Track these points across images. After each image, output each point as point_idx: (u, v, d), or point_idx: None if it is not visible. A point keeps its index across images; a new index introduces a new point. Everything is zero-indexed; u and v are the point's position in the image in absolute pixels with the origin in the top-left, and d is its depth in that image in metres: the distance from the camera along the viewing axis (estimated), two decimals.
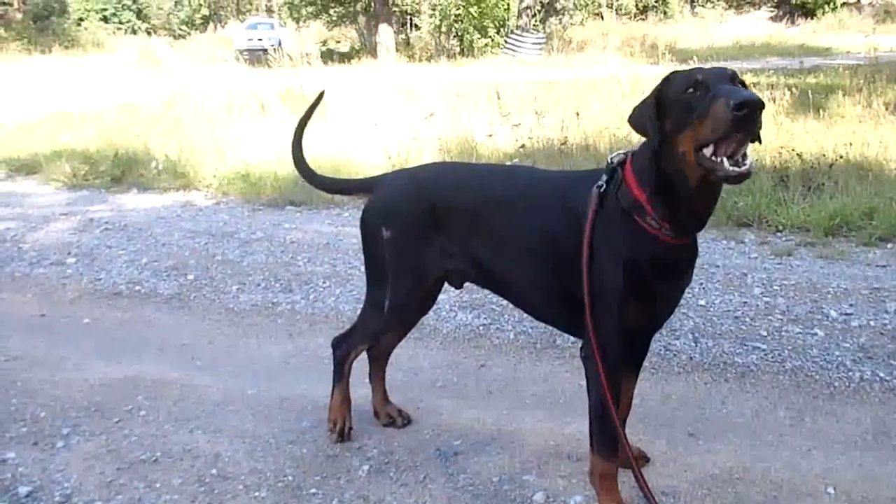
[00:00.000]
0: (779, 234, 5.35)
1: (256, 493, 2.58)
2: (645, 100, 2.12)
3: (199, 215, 6.43)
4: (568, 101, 9.60)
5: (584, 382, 2.31)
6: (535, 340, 3.70)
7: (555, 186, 2.36)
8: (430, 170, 2.81)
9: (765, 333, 3.64)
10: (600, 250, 2.17)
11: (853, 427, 2.84)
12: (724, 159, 1.92)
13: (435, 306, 3.87)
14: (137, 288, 4.55)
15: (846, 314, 3.81)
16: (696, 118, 1.93)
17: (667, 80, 2.07)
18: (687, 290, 3.75)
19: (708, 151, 1.95)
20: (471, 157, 7.43)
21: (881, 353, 3.39)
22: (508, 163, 6.52)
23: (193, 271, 4.84)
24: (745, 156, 1.94)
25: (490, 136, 8.16)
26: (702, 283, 4.30)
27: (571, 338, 3.51)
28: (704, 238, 5.21)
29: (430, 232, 2.52)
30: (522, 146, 7.74)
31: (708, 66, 2.19)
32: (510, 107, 8.97)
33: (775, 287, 4.21)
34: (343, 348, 2.82)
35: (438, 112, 8.41)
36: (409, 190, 2.59)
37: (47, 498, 2.58)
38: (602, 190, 2.18)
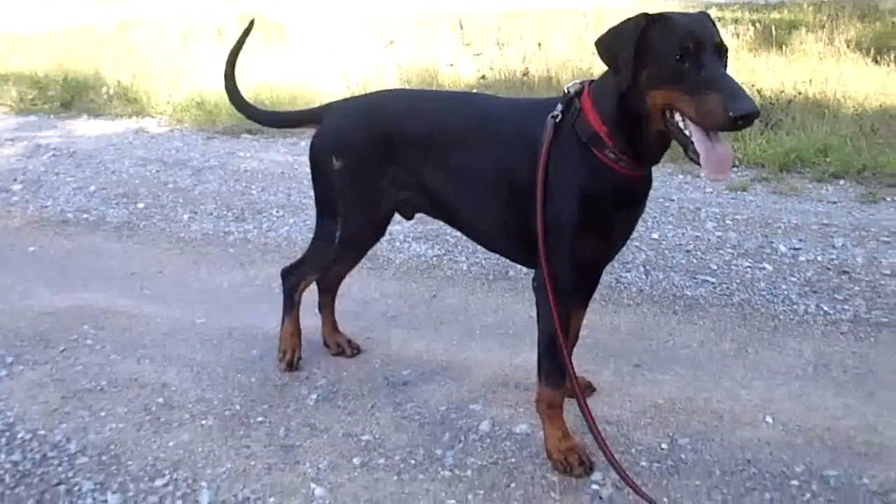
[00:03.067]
0: (734, 169, 5.36)
1: (203, 422, 2.57)
2: (621, 30, 2.00)
3: (152, 143, 6.28)
4: (532, 33, 9.45)
5: (534, 314, 2.31)
6: (487, 272, 3.71)
7: (511, 115, 2.30)
8: (382, 97, 2.73)
9: (715, 267, 3.68)
10: (555, 182, 2.13)
11: (795, 359, 2.90)
12: (693, 142, 1.90)
13: (389, 237, 3.88)
14: (85, 216, 4.45)
15: (795, 249, 3.87)
16: (681, 91, 1.88)
17: (652, 26, 1.95)
18: (640, 223, 3.80)
19: (678, 117, 1.93)
20: (431, 87, 7.32)
21: (826, 288, 3.45)
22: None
23: (144, 199, 4.74)
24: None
25: (451, 65, 8.03)
26: (656, 217, 4.32)
27: (524, 269, 3.51)
28: (661, 172, 5.22)
29: (383, 161, 2.46)
30: (483, 77, 7.65)
31: (686, 11, 2.09)
32: (473, 37, 8.80)
33: (728, 221, 4.25)
34: (292, 279, 2.79)
35: (400, 40, 8.22)
36: (360, 118, 2.53)
37: None
38: (557, 120, 2.14)
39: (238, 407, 2.65)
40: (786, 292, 3.42)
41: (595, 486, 2.24)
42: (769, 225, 4.19)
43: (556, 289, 2.20)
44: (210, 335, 3.12)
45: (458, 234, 3.21)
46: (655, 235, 4.07)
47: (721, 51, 1.95)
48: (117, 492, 2.25)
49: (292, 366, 2.84)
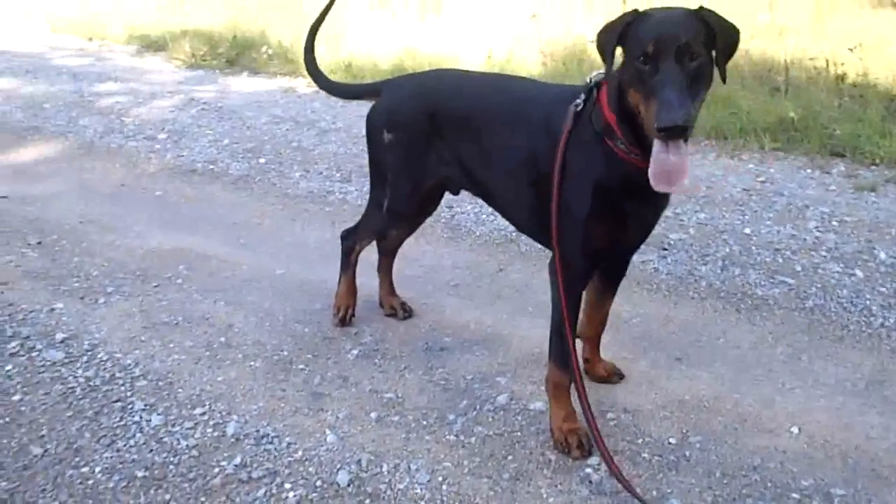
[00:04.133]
0: (873, 167, 5.02)
1: (252, 363, 2.83)
2: (612, 23, 2.02)
3: (294, 103, 6.68)
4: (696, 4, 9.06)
5: None
6: None
7: (540, 101, 2.35)
8: (432, 76, 2.84)
9: (799, 269, 3.52)
10: (571, 170, 2.18)
11: (849, 372, 2.77)
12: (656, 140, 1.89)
13: (478, 209, 4.00)
14: (211, 167, 4.86)
15: None
16: (641, 93, 1.89)
17: (633, 22, 1.96)
18: (737, 216, 3.67)
19: (643, 113, 1.91)
20: (579, 64, 7.22)
21: None
22: None
23: (267, 155, 5.11)
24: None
25: (592, 42, 7.88)
26: (756, 212, 4.16)
27: None
28: (786, 165, 4.99)
29: (429, 137, 2.58)
30: None
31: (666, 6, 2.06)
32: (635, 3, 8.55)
33: (833, 222, 4.02)
34: (349, 242, 2.99)
35: (546, 11, 8.17)
36: (410, 95, 2.66)
37: (78, 345, 2.93)
38: (578, 109, 2.18)
39: (286, 353, 2.89)
40: (867, 302, 3.23)
41: (588, 470, 2.28)
42: (879, 229, 3.93)
43: (566, 274, 2.26)
44: (284, 285, 3.38)
45: None
46: (748, 230, 3.93)
47: (687, 53, 1.87)
48: (161, 413, 2.54)
49: (344, 321, 3.04)
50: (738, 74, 6.72)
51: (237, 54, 8.71)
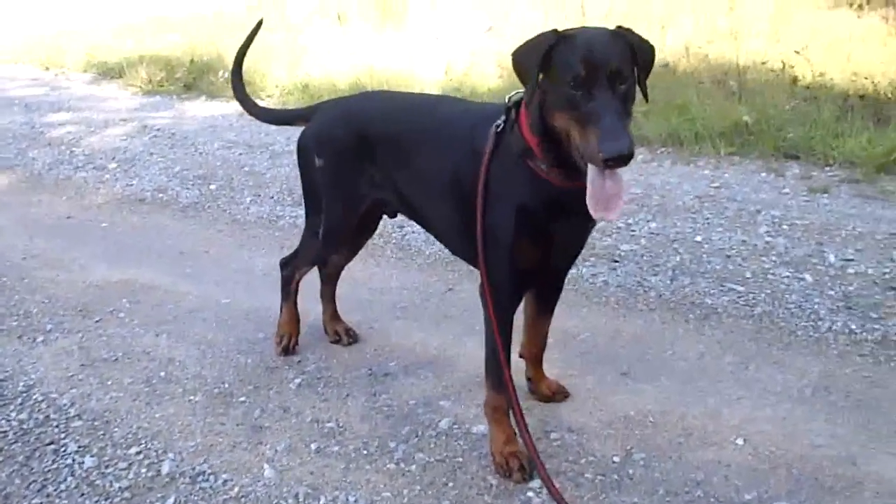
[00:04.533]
0: (827, 168, 5.04)
1: (192, 398, 2.76)
2: (533, 44, 1.96)
3: (248, 126, 6.61)
4: (661, 11, 9.04)
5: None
6: None
7: (464, 122, 2.31)
8: (360, 98, 2.82)
9: (749, 275, 3.51)
10: (493, 192, 2.14)
11: (795, 379, 2.75)
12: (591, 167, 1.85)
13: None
14: (161, 195, 4.79)
15: (846, 260, 3.62)
16: (572, 118, 1.85)
17: (560, 42, 1.90)
18: (689, 223, 3.64)
19: (577, 140, 1.86)
20: None
21: (863, 304, 3.22)
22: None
23: (218, 181, 5.05)
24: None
25: None
26: (708, 219, 4.16)
27: None
28: (743, 169, 5.00)
29: (360, 161, 2.54)
30: None
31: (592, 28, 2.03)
32: (594, 17, 8.58)
33: (784, 227, 4.02)
34: (288, 270, 2.94)
35: (503, 25, 8.18)
36: (339, 119, 2.62)
37: (12, 386, 2.86)
38: (499, 130, 2.15)
39: (227, 385, 2.82)
40: (816, 307, 3.22)
41: (530, 493, 2.24)
42: (829, 232, 3.93)
43: (495, 298, 2.22)
44: (228, 315, 3.32)
45: None
46: (699, 238, 3.92)
47: (618, 77, 1.85)
48: (95, 455, 2.47)
49: (287, 350, 2.99)
50: (694, 80, 6.79)
51: (194, 79, 8.63)
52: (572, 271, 3.56)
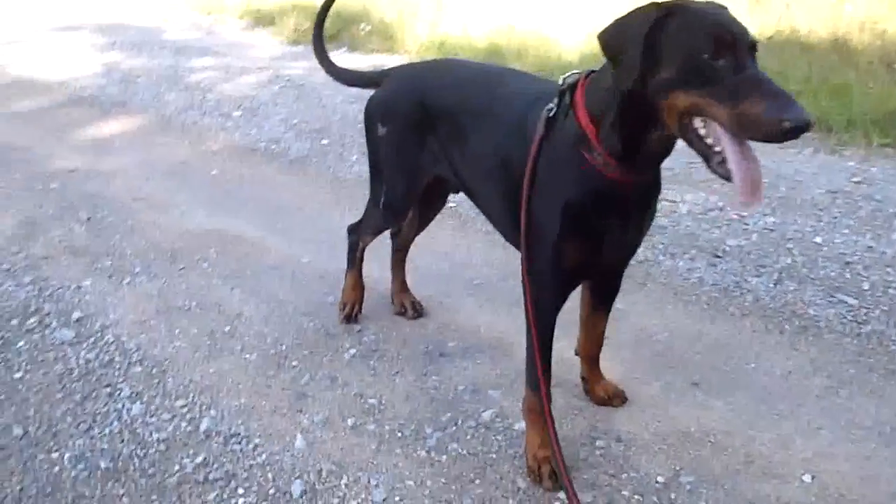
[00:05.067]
0: None
1: (248, 356, 2.79)
2: (628, 22, 1.74)
3: None
4: None
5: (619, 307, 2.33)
6: None
7: (517, 101, 2.13)
8: (428, 66, 2.68)
9: (867, 287, 3.13)
10: (540, 182, 1.97)
11: (892, 414, 2.42)
12: (719, 155, 1.67)
13: None
14: (273, 146, 4.86)
15: None
16: (712, 95, 1.61)
17: (669, 18, 1.68)
18: (813, 221, 3.28)
19: (698, 124, 1.68)
20: None
21: None
22: None
23: (331, 136, 5.06)
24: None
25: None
26: (836, 217, 3.75)
27: (637, 258, 3.31)
28: (894, 164, 4.48)
29: (422, 133, 2.42)
30: (770, 37, 6.81)
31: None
32: None
33: None
34: (353, 237, 2.89)
35: None
36: (405, 87, 2.50)
37: (90, 325, 2.99)
38: (551, 115, 1.96)
39: (283, 347, 2.82)
40: None
41: (557, 503, 2.10)
42: None
43: (536, 295, 2.06)
44: (304, 275, 3.32)
45: None
46: (818, 239, 3.54)
47: (755, 49, 1.67)
48: (144, 403, 2.54)
49: (350, 318, 2.95)
50: (864, 59, 6.13)
51: (339, 30, 8.71)
52: (667, 262, 3.35)
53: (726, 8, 1.75)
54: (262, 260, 3.46)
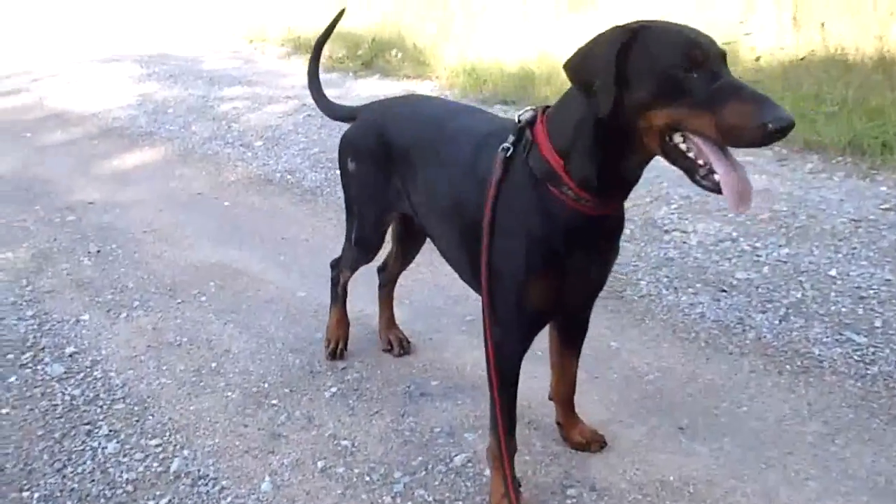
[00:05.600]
0: None
1: (229, 394, 2.77)
2: (595, 48, 1.71)
3: None
4: None
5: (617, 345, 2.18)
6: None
7: (470, 140, 2.07)
8: (392, 102, 2.66)
9: (878, 324, 2.98)
10: (502, 224, 1.91)
11: (889, 465, 2.28)
12: (704, 167, 1.64)
13: None
14: (288, 177, 4.89)
15: None
16: (692, 106, 1.59)
17: (636, 35, 1.65)
18: (824, 251, 3.14)
19: (678, 139, 1.65)
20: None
21: None
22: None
23: None
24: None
25: (748, 34, 7.13)
26: (854, 249, 3.58)
27: (637, 293, 3.23)
28: None
29: (386, 169, 2.40)
30: (803, 58, 6.62)
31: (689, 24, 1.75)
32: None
33: None
34: (335, 272, 2.86)
35: (696, 11, 7.55)
36: (369, 123, 2.50)
37: (81, 360, 3.02)
38: (508, 154, 1.90)
39: (266, 385, 2.80)
40: None
41: None
42: None
43: (499, 341, 2.00)
44: (297, 310, 3.31)
45: None
46: (833, 272, 3.38)
47: (725, 59, 1.65)
48: (120, 442, 2.54)
49: (335, 355, 2.91)
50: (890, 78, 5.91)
51: (373, 57, 8.79)
52: (669, 297, 3.24)
53: (681, 24, 1.70)
54: (260, 294, 3.46)
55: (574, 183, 1.80)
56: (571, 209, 1.82)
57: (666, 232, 3.84)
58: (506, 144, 1.90)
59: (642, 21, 1.71)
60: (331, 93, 2.82)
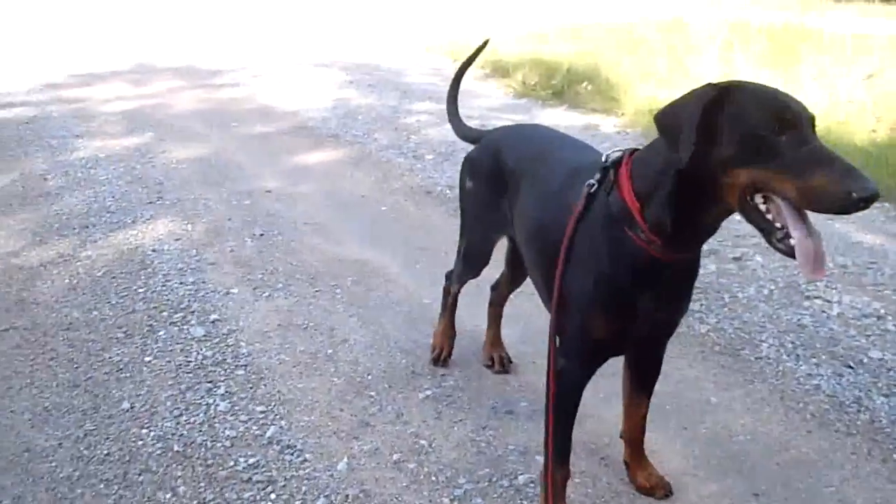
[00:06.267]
0: None
1: (335, 379, 3.01)
2: (685, 100, 1.78)
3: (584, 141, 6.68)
4: None
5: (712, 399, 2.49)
6: (717, 342, 3.32)
7: (567, 170, 2.18)
8: (511, 129, 2.80)
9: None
10: (577, 254, 2.01)
11: None
12: (781, 230, 1.69)
13: None
14: (447, 192, 5.12)
15: None
16: (777, 169, 1.64)
17: (728, 93, 1.71)
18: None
19: (759, 199, 1.71)
20: None
21: None
22: None
23: None
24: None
25: None
26: None
27: (754, 353, 3.15)
28: None
29: (498, 192, 2.53)
30: None
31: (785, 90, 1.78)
32: None
33: None
34: (447, 283, 3.02)
35: (889, 70, 7.10)
36: (488, 146, 2.64)
37: (221, 327, 3.38)
38: (592, 189, 2.00)
39: (369, 378, 3.02)
40: None
41: None
42: None
43: (561, 365, 2.09)
44: (418, 315, 3.50)
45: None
46: None
47: (814, 125, 1.69)
48: (232, 403, 2.85)
49: (437, 362, 3.08)
50: None
51: (564, 87, 8.92)
52: (787, 363, 3.14)
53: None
54: (389, 295, 3.69)
55: (647, 226, 1.85)
56: (642, 251, 1.88)
57: (807, 298, 3.68)
58: (591, 181, 1.98)
59: (736, 81, 1.76)
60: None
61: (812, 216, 1.70)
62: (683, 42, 10.73)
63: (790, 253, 1.67)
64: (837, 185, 1.55)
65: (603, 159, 2.00)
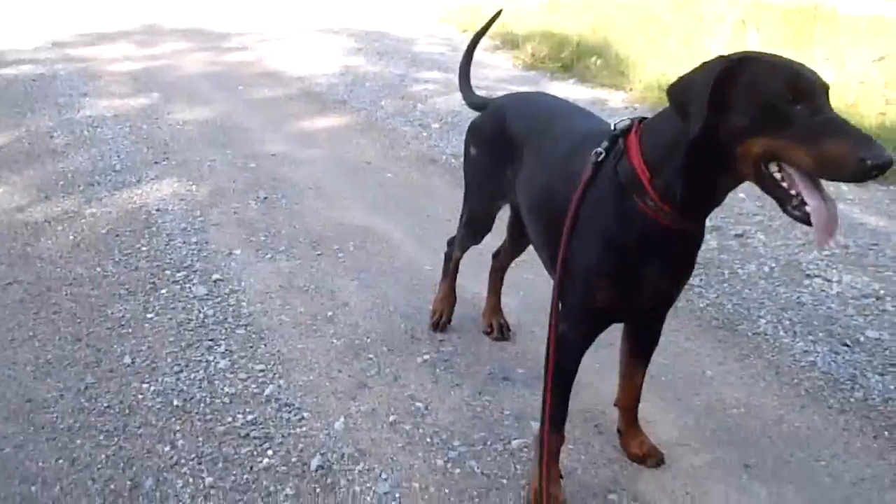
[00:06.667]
0: None
1: (334, 341, 3.04)
2: (696, 72, 1.77)
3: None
4: None
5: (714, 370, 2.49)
6: (715, 316, 3.34)
7: (574, 138, 2.18)
8: (517, 97, 2.76)
9: None
10: (583, 222, 2.01)
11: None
12: (796, 197, 1.69)
13: None
14: (452, 160, 5.11)
15: None
16: (791, 138, 1.63)
17: (741, 64, 1.70)
18: None
19: (774, 168, 1.71)
20: None
21: None
22: None
23: None
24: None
25: None
26: None
27: (754, 326, 3.17)
28: None
29: (502, 159, 2.53)
30: None
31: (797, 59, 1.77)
32: None
33: None
34: (449, 249, 3.04)
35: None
36: (493, 114, 2.63)
37: (223, 287, 3.41)
38: (600, 158, 2.00)
39: (368, 340, 3.04)
40: None
41: None
42: None
43: (562, 331, 2.11)
44: (419, 281, 3.51)
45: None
46: None
47: (828, 94, 1.68)
48: (231, 361, 2.88)
49: (437, 327, 3.10)
50: None
51: (573, 60, 8.87)
52: (784, 340, 3.16)
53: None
54: (391, 261, 3.71)
55: (657, 195, 1.85)
56: (650, 220, 1.88)
57: (808, 276, 3.69)
58: (599, 149, 1.98)
59: (749, 52, 1.76)
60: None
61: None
62: (696, 20, 10.65)
63: (806, 220, 1.68)
64: (851, 153, 1.55)
65: (612, 127, 2.00)
